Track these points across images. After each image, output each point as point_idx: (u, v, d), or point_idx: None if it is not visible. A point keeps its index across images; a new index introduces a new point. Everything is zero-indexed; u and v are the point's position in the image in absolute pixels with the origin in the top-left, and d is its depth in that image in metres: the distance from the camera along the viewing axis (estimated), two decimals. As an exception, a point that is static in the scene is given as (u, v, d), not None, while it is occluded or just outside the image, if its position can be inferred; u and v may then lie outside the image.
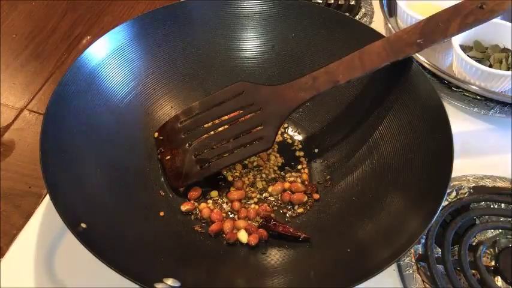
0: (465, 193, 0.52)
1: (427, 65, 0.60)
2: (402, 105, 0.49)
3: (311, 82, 0.48)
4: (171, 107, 0.56)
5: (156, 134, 0.53)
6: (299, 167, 0.54)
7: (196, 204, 0.50)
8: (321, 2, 0.77)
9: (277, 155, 0.55)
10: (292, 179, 0.52)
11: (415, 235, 0.39)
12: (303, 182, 0.52)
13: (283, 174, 0.53)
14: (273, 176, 0.53)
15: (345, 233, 0.46)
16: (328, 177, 0.52)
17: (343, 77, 0.47)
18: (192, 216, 0.49)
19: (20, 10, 0.74)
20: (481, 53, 0.63)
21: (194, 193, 0.50)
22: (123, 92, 0.53)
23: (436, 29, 0.46)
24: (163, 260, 0.42)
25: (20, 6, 0.75)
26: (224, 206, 0.50)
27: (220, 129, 0.50)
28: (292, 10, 0.56)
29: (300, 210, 0.50)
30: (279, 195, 0.51)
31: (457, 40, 0.62)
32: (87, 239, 0.37)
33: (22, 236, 0.49)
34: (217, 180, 0.52)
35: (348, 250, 0.43)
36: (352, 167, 0.51)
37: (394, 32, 0.64)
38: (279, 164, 0.54)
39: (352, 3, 0.77)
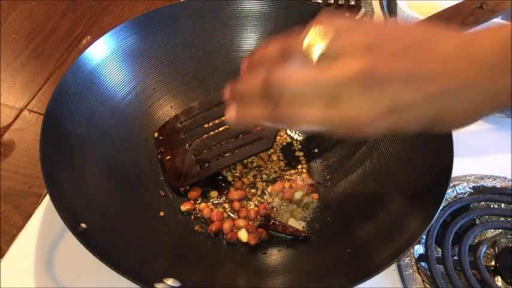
0: (465, 193, 0.52)
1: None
2: (402, 105, 0.49)
3: (311, 82, 0.48)
4: (171, 107, 0.56)
5: (156, 134, 0.53)
6: (299, 167, 0.54)
7: (196, 204, 0.50)
8: (321, 2, 0.77)
9: (280, 156, 0.54)
10: (292, 177, 0.52)
11: (415, 235, 0.39)
12: (303, 182, 0.52)
13: (283, 174, 0.53)
14: (273, 176, 0.53)
15: (345, 233, 0.46)
16: (328, 177, 0.52)
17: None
18: (192, 216, 0.49)
19: (20, 10, 0.74)
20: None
21: (194, 193, 0.50)
22: (123, 92, 0.53)
23: None
24: (163, 260, 0.42)
25: (20, 6, 0.75)
26: (224, 206, 0.50)
27: (221, 129, 0.50)
28: (292, 10, 0.56)
29: (300, 209, 0.50)
30: (279, 194, 0.51)
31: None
32: (87, 239, 0.37)
33: (22, 236, 0.49)
34: (217, 180, 0.52)
35: (348, 250, 0.43)
36: (352, 167, 0.51)
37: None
38: (282, 168, 0.54)
39: (352, 3, 0.77)
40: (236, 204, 0.50)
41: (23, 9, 0.74)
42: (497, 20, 0.63)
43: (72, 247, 0.38)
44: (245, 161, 0.53)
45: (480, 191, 0.52)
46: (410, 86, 0.27)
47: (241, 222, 0.48)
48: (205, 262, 0.45)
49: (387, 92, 0.27)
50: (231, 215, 0.50)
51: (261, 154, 0.53)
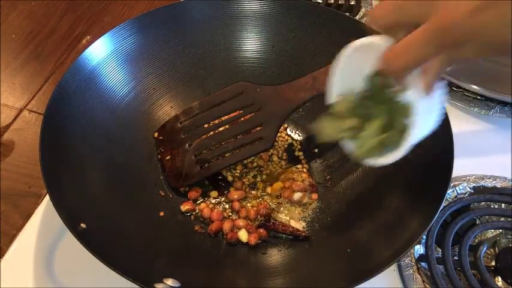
0: (465, 193, 0.52)
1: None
2: (402, 105, 0.49)
3: (311, 82, 0.48)
4: (171, 107, 0.56)
5: (156, 134, 0.53)
6: (299, 166, 0.54)
7: (196, 204, 0.50)
8: (321, 2, 0.77)
9: (280, 156, 0.54)
10: (292, 177, 0.52)
11: (416, 235, 0.39)
12: (303, 182, 0.52)
13: (283, 174, 0.53)
14: (273, 176, 0.53)
15: (345, 233, 0.46)
16: (328, 177, 0.52)
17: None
18: (192, 217, 0.49)
19: (19, 10, 0.74)
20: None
21: (194, 193, 0.50)
22: (123, 92, 0.53)
23: None
24: (163, 260, 0.42)
25: (20, 6, 0.75)
26: (224, 205, 0.50)
27: (221, 129, 0.50)
28: (292, 10, 0.56)
29: (300, 209, 0.50)
30: (279, 194, 0.51)
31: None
32: (87, 239, 0.37)
33: (22, 236, 0.49)
34: (217, 180, 0.52)
35: (348, 250, 0.43)
36: (352, 167, 0.51)
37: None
38: (282, 167, 0.53)
39: (352, 3, 0.77)
40: (236, 204, 0.50)
41: (23, 9, 0.74)
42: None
43: (72, 247, 0.38)
44: (245, 161, 0.53)
45: (480, 191, 0.52)
46: None
47: (241, 222, 0.48)
48: (205, 262, 0.45)
49: None
50: (231, 215, 0.50)
51: (261, 154, 0.53)
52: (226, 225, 0.47)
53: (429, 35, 0.26)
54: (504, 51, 0.26)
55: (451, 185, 0.51)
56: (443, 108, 0.33)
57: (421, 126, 0.33)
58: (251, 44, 0.58)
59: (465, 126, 0.60)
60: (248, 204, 0.50)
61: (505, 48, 0.25)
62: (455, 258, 0.46)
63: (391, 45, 0.29)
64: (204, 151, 0.50)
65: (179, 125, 0.51)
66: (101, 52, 0.51)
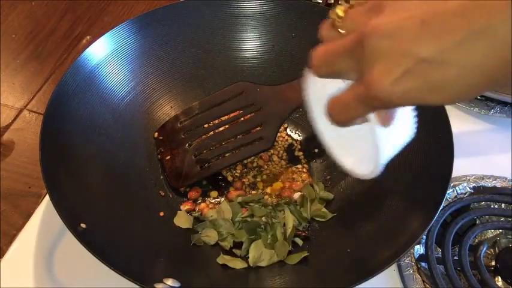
0: (465, 193, 0.52)
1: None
2: (402, 105, 0.49)
3: (311, 82, 0.48)
4: (171, 107, 0.56)
5: (156, 134, 0.53)
6: (299, 166, 0.54)
7: (196, 204, 0.50)
8: (320, 2, 0.77)
9: (280, 156, 0.54)
10: (292, 177, 0.52)
11: (416, 235, 0.39)
12: (303, 182, 0.52)
13: (283, 174, 0.53)
14: (273, 176, 0.53)
15: (345, 233, 0.46)
16: (328, 177, 0.52)
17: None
18: (192, 217, 0.49)
19: (19, 10, 0.74)
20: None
21: (194, 193, 0.50)
22: (122, 92, 0.53)
23: None
24: (163, 260, 0.42)
25: (20, 6, 0.75)
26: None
27: (221, 129, 0.50)
28: (292, 10, 0.56)
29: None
30: (279, 194, 0.51)
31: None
32: (87, 239, 0.37)
33: (22, 236, 0.49)
34: (217, 180, 0.52)
35: (348, 250, 0.43)
36: (352, 167, 0.51)
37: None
38: (282, 167, 0.53)
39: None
40: (236, 204, 0.50)
41: (23, 9, 0.74)
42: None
43: (72, 247, 0.38)
44: (245, 161, 0.53)
45: (480, 191, 0.52)
46: (429, 33, 0.22)
47: (241, 222, 0.48)
48: (205, 262, 0.45)
49: (400, 45, 0.23)
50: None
51: (261, 154, 0.53)
52: (226, 225, 0.47)
53: (361, 98, 0.26)
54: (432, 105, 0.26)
55: (451, 185, 0.51)
56: (415, 119, 0.33)
57: (389, 145, 0.32)
58: (251, 44, 0.58)
59: (465, 126, 0.60)
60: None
61: (432, 104, 0.25)
62: (455, 258, 0.46)
63: (332, 97, 0.29)
64: (204, 151, 0.50)
65: (179, 125, 0.51)
66: (101, 52, 0.51)
